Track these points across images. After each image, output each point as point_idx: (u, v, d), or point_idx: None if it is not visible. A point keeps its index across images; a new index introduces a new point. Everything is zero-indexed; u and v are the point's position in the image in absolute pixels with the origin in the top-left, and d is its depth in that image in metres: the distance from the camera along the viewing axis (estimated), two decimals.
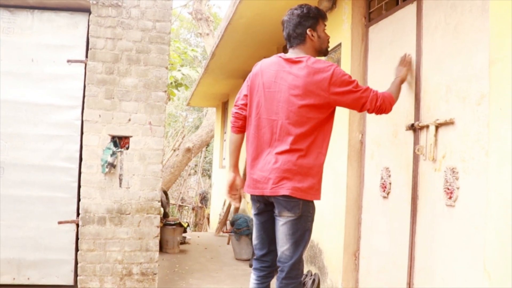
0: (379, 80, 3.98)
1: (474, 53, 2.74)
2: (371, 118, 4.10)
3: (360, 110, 2.99)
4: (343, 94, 2.85)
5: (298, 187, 2.82)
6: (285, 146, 2.85)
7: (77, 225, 4.71)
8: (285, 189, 2.82)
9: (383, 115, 3.82)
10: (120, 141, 4.79)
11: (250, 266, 6.69)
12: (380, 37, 3.98)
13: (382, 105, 2.98)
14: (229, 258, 7.34)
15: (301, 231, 2.87)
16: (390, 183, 3.66)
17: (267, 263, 3.10)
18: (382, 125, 3.88)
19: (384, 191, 3.74)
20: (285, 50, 6.93)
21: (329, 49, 3.21)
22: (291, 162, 2.83)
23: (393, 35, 3.74)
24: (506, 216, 2.22)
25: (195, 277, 5.93)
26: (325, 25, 3.12)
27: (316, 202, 4.89)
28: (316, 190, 2.91)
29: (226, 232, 8.85)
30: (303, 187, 2.83)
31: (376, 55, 4.08)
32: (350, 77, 2.89)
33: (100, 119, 4.75)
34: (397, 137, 3.59)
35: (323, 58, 3.90)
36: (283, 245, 2.88)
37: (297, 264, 2.88)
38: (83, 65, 4.77)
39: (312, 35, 3.02)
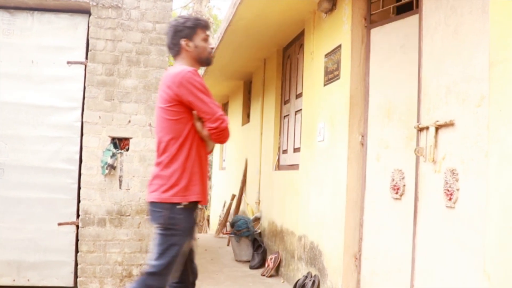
0: (385, 82, 3.98)
1: (474, 55, 2.74)
2: (374, 120, 4.10)
3: (208, 120, 2.85)
4: (194, 100, 2.82)
5: (164, 190, 2.81)
6: (159, 156, 2.89)
7: (77, 227, 4.71)
8: (152, 196, 2.84)
9: (395, 117, 3.83)
10: (120, 143, 4.79)
11: (250, 267, 6.69)
12: (388, 39, 3.97)
13: (225, 129, 2.90)
14: (229, 260, 7.34)
15: (167, 245, 2.79)
16: (404, 185, 3.64)
17: (176, 279, 2.98)
18: (392, 127, 3.88)
19: (397, 193, 3.74)
20: (285, 52, 6.95)
21: (212, 58, 3.15)
22: (161, 170, 2.85)
23: (405, 39, 3.73)
24: (505, 217, 2.22)
25: None
26: (207, 35, 3.06)
27: (315, 202, 4.91)
28: (183, 191, 2.81)
29: (226, 233, 8.85)
30: (167, 190, 2.80)
31: (382, 57, 4.07)
32: (202, 86, 2.85)
33: (100, 120, 4.75)
34: (413, 139, 3.54)
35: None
36: (152, 253, 2.84)
37: (156, 276, 2.79)
38: (83, 66, 4.78)
39: (188, 45, 2.99)
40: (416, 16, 3.59)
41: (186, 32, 2.99)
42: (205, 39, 3.05)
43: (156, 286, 2.79)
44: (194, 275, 3.08)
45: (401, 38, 3.80)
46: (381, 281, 3.88)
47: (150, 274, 2.79)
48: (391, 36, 3.94)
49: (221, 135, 2.90)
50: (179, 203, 2.80)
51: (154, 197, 2.83)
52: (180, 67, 2.93)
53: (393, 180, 3.79)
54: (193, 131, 2.88)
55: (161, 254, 2.78)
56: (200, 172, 2.91)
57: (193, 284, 3.07)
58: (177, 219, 2.80)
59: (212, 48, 3.11)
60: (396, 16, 3.90)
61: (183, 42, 2.98)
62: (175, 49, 3.03)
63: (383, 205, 3.95)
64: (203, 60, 3.07)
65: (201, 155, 2.93)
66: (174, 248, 2.79)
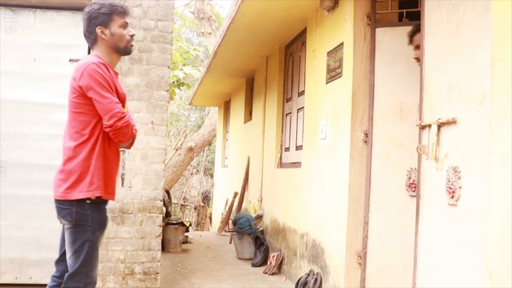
0: (397, 83, 4.01)
1: (476, 53, 2.73)
2: (381, 118, 4.12)
3: (103, 118, 2.75)
4: (93, 94, 2.73)
5: (68, 186, 2.73)
6: (64, 150, 2.82)
7: None
8: (57, 193, 2.76)
9: (409, 117, 3.83)
10: None
11: (253, 265, 6.70)
12: (401, 41, 3.98)
13: (122, 127, 2.76)
14: (231, 257, 7.35)
15: (80, 242, 2.71)
16: None
17: (57, 273, 2.92)
18: (405, 127, 3.92)
19: (414, 190, 3.78)
20: (287, 49, 6.94)
21: (132, 47, 3.00)
22: (63, 165, 2.78)
23: (402, 40, 3.75)
24: (508, 215, 2.22)
25: (197, 276, 5.93)
26: (125, 22, 2.92)
27: (317, 200, 4.91)
28: (88, 186, 2.73)
29: (228, 231, 8.86)
30: (71, 187, 2.73)
31: (392, 58, 4.08)
32: (104, 80, 2.74)
33: None
34: None
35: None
36: (67, 253, 2.77)
37: (76, 276, 2.71)
38: None
39: (103, 33, 2.85)
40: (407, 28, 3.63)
41: (101, 19, 2.84)
42: (123, 26, 2.90)
43: (77, 286, 2.71)
44: None
45: (398, 40, 3.82)
46: (394, 277, 3.90)
47: (70, 276, 2.72)
48: (405, 39, 3.94)
49: (118, 134, 2.76)
50: (87, 198, 2.72)
51: (60, 195, 2.75)
52: (88, 57, 2.80)
53: (410, 178, 3.85)
54: (100, 125, 2.77)
55: (76, 253, 2.72)
56: (106, 167, 2.81)
57: None
58: (88, 215, 2.73)
59: (132, 36, 2.95)
60: (411, 22, 3.92)
61: (98, 30, 2.84)
62: (90, 38, 2.89)
63: (396, 202, 3.99)
64: (121, 49, 2.93)
65: (106, 150, 2.82)
66: (87, 244, 2.72)
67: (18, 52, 4.74)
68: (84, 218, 2.72)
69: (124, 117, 2.74)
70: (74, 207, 2.72)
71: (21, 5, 4.77)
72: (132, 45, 2.99)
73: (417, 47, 3.59)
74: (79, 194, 2.71)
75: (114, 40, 2.88)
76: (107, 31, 2.85)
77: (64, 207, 2.74)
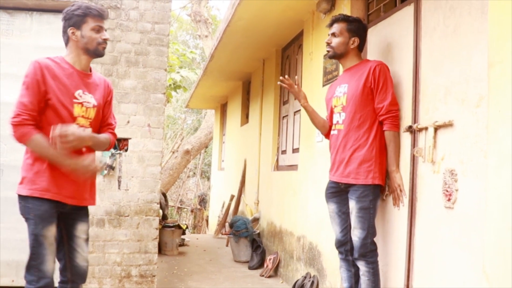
0: None
1: (473, 55, 2.74)
2: None
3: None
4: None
5: (19, 182, 2.85)
6: None
7: None
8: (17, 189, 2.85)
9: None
10: (119, 143, 4.79)
11: (249, 268, 6.69)
12: (380, 38, 3.98)
13: (12, 125, 2.84)
14: (228, 260, 7.34)
15: (28, 235, 2.77)
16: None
17: (64, 277, 3.01)
18: None
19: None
20: (284, 52, 6.95)
21: (104, 49, 3.02)
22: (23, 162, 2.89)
23: (391, 36, 3.74)
24: (504, 218, 2.23)
25: (194, 279, 5.92)
26: (99, 26, 2.94)
27: (314, 202, 4.91)
28: (28, 183, 2.80)
29: (225, 234, 8.85)
30: (20, 183, 2.84)
31: (376, 57, 4.07)
32: (28, 77, 2.81)
33: None
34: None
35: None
36: None
37: (29, 270, 2.76)
38: None
39: (74, 34, 2.91)
40: (398, 14, 3.60)
41: (74, 20, 2.91)
42: (96, 29, 2.92)
43: (31, 279, 2.74)
44: (75, 275, 3.03)
45: (388, 36, 3.81)
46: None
47: (25, 268, 2.77)
48: (381, 35, 3.94)
49: (13, 131, 2.83)
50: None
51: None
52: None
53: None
54: (47, 122, 2.84)
55: (29, 246, 2.77)
56: (53, 167, 2.81)
57: (73, 282, 3.03)
58: (29, 208, 2.77)
59: (105, 39, 2.97)
60: (385, 15, 3.90)
61: (69, 31, 2.92)
62: (64, 38, 2.98)
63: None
64: (91, 51, 2.95)
65: None
66: (32, 237, 2.75)
67: (15, 54, 4.73)
68: (27, 211, 2.79)
69: (20, 115, 2.79)
70: (23, 201, 2.82)
71: (17, 8, 4.76)
72: (104, 48, 3.01)
73: (333, 34, 3.60)
74: (22, 190, 2.81)
75: (83, 42, 2.92)
76: (77, 33, 2.91)
77: (18, 201, 2.86)
